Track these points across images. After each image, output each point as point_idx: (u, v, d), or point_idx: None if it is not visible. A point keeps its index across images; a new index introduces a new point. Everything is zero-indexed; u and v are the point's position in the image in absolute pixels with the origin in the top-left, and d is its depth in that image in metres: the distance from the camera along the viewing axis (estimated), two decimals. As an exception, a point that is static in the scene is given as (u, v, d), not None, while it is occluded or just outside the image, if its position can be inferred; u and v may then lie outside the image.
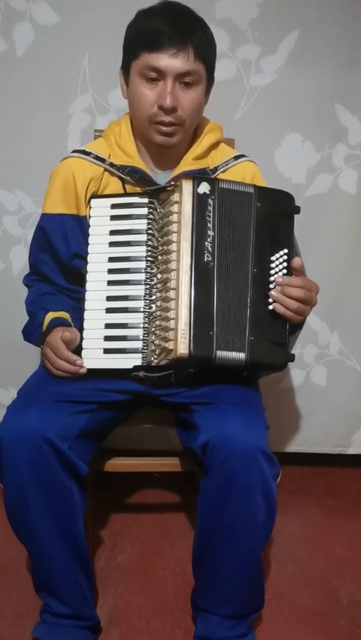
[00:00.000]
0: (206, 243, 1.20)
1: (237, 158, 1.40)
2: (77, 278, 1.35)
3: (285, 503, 1.73)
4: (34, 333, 1.33)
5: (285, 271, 1.24)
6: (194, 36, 1.22)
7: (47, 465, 1.17)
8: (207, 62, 1.26)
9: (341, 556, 1.63)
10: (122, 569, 1.55)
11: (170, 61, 1.21)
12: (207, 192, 1.21)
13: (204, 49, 1.24)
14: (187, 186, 1.21)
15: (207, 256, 1.20)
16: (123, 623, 1.39)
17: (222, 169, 1.37)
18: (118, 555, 1.59)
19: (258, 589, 1.30)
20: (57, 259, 1.36)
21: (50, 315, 1.31)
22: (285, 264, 1.24)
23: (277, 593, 1.48)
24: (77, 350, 1.25)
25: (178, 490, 1.84)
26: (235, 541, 1.22)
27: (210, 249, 1.20)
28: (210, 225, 1.21)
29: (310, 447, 1.94)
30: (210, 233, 1.21)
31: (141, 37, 1.24)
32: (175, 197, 1.22)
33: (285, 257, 1.24)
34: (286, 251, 1.24)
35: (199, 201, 1.21)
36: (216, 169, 1.37)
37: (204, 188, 1.21)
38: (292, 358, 1.24)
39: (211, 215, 1.21)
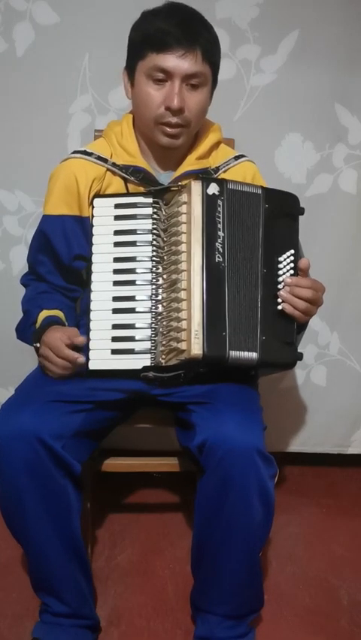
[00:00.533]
0: (217, 244, 1.20)
1: (237, 158, 1.40)
2: (77, 278, 1.35)
3: (285, 503, 1.73)
4: (27, 330, 1.33)
5: (292, 272, 1.25)
6: (201, 37, 1.23)
7: (41, 464, 1.17)
8: (214, 64, 1.27)
9: (341, 556, 1.63)
10: (122, 569, 1.55)
11: (178, 62, 1.21)
12: (217, 193, 1.21)
13: (211, 51, 1.25)
14: (196, 187, 1.21)
15: (218, 257, 1.20)
16: (123, 623, 1.39)
17: (223, 169, 1.38)
18: (118, 555, 1.59)
19: (257, 589, 1.30)
20: (57, 261, 1.35)
21: (44, 314, 1.31)
22: (292, 265, 1.25)
23: (277, 593, 1.48)
24: (76, 351, 1.25)
25: (178, 490, 1.84)
26: (233, 542, 1.22)
27: (220, 249, 1.20)
28: (220, 226, 1.21)
29: (310, 447, 1.94)
30: (221, 234, 1.21)
31: (148, 37, 1.23)
32: (183, 197, 1.22)
33: (292, 257, 1.25)
34: (292, 251, 1.25)
35: (209, 202, 1.20)
36: (218, 169, 1.37)
37: (213, 189, 1.21)
38: (300, 357, 1.25)
39: (221, 216, 1.21)
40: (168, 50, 1.21)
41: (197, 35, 1.22)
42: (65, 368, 1.23)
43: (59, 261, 1.35)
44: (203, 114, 1.31)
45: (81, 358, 1.23)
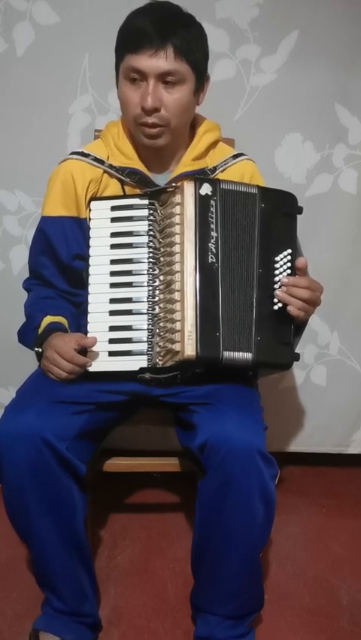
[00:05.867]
0: (209, 244, 1.20)
1: (235, 157, 1.40)
2: (78, 280, 1.35)
3: (285, 503, 1.73)
4: (29, 334, 1.33)
5: (289, 271, 1.24)
6: (175, 35, 1.20)
7: (45, 465, 1.17)
8: (192, 61, 1.24)
9: (341, 556, 1.63)
10: (122, 569, 1.55)
11: (149, 61, 1.21)
12: (209, 194, 1.21)
13: (187, 49, 1.22)
14: (189, 188, 1.21)
15: (211, 257, 1.20)
16: (123, 623, 1.39)
17: (221, 168, 1.37)
18: (118, 555, 1.59)
19: (257, 589, 1.30)
20: (58, 261, 1.35)
21: (48, 319, 1.31)
22: (289, 264, 1.24)
23: (277, 593, 1.48)
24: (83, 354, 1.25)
25: (178, 490, 1.84)
26: (233, 542, 1.21)
27: (213, 250, 1.21)
28: (213, 227, 1.21)
29: (310, 447, 1.94)
30: (214, 234, 1.21)
31: (124, 38, 1.24)
32: (177, 198, 1.22)
33: (289, 257, 1.24)
34: (290, 251, 1.25)
35: (201, 203, 1.21)
36: (215, 169, 1.37)
37: (205, 189, 1.21)
38: (297, 358, 1.25)
39: (214, 216, 1.21)
40: (139, 50, 1.21)
41: (169, 33, 1.20)
42: (72, 372, 1.24)
43: (60, 261, 1.35)
44: (184, 112, 1.28)
45: (90, 363, 1.23)
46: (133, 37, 1.21)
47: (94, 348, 1.25)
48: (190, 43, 1.23)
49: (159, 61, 1.21)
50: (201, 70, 1.28)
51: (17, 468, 1.17)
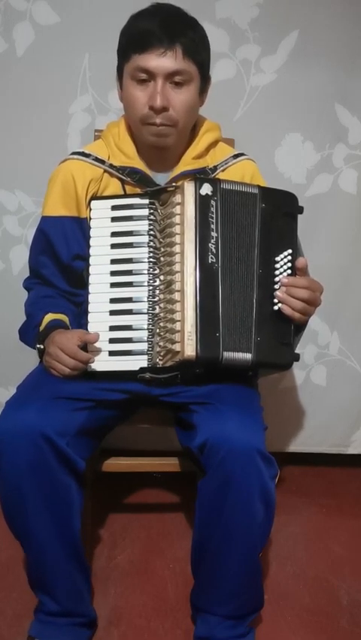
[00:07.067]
0: (210, 244, 1.20)
1: (236, 156, 1.40)
2: (78, 280, 1.35)
3: (285, 503, 1.73)
4: (30, 332, 1.33)
5: (289, 271, 1.24)
6: (183, 35, 1.22)
7: (44, 461, 1.17)
8: (199, 62, 1.26)
9: (341, 556, 1.63)
10: (122, 569, 1.55)
11: (158, 61, 1.21)
12: (210, 193, 1.21)
13: (195, 49, 1.24)
14: (189, 188, 1.21)
15: (211, 257, 1.20)
16: (123, 623, 1.39)
17: (221, 168, 1.37)
18: (118, 555, 1.59)
19: (257, 589, 1.30)
20: (58, 261, 1.36)
21: (49, 317, 1.31)
22: (289, 265, 1.25)
23: (277, 593, 1.48)
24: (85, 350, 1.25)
25: (178, 490, 1.84)
26: (233, 542, 1.21)
27: (213, 250, 1.21)
28: (213, 227, 1.21)
29: (310, 447, 1.94)
30: (214, 234, 1.21)
31: (131, 39, 1.24)
32: (177, 198, 1.22)
33: (289, 257, 1.25)
34: (290, 251, 1.25)
35: (202, 203, 1.21)
36: (215, 168, 1.37)
37: (206, 189, 1.21)
38: (297, 358, 1.25)
39: (214, 216, 1.21)
40: (148, 50, 1.21)
41: (177, 33, 1.22)
42: (75, 369, 1.24)
43: (60, 261, 1.35)
44: (191, 112, 1.29)
45: (93, 358, 1.23)
46: (140, 37, 1.22)
47: (95, 348, 1.25)
48: (198, 43, 1.25)
49: (168, 60, 1.21)
50: (206, 70, 1.30)
51: (16, 464, 1.17)
